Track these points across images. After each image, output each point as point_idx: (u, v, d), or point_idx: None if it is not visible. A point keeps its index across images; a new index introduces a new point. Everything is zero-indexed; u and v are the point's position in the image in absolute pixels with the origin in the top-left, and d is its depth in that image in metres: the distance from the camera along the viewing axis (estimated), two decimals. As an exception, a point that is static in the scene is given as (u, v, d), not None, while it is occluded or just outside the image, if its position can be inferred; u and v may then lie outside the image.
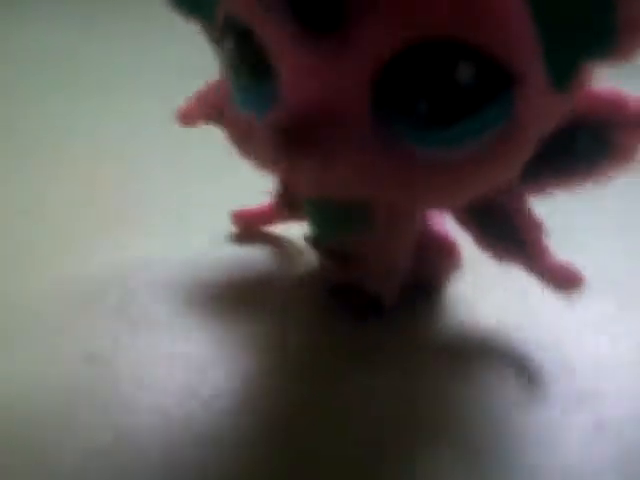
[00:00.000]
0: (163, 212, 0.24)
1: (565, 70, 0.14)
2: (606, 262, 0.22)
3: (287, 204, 0.21)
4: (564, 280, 0.18)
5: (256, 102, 0.15)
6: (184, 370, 0.17)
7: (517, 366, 0.18)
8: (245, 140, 0.16)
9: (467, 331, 0.20)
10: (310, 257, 0.21)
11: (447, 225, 0.20)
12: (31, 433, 0.15)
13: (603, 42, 0.13)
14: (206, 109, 0.20)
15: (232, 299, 0.20)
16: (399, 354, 0.18)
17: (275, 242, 0.23)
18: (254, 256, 0.22)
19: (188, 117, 0.20)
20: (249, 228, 0.23)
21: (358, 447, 0.15)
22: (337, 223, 0.17)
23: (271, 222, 0.23)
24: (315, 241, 0.19)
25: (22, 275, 0.20)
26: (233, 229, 0.23)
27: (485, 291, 0.21)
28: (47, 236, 0.22)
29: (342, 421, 0.16)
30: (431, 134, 0.13)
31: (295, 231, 0.22)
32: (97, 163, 0.28)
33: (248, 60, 0.14)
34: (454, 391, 0.17)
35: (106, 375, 0.16)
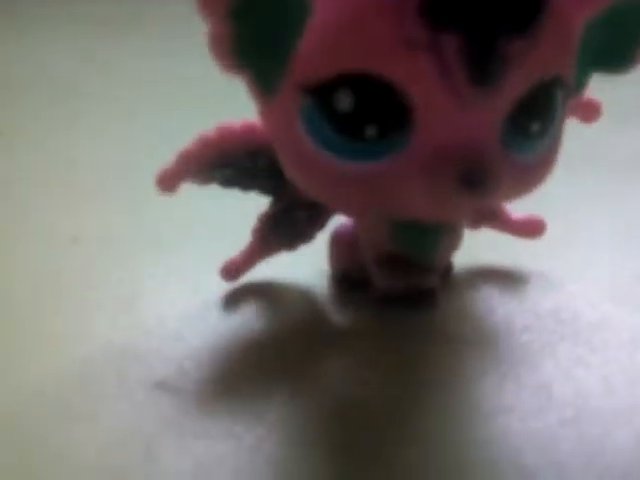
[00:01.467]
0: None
1: (584, 82, 0.19)
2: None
3: (273, 235, 0.21)
4: (531, 229, 0.23)
5: (372, 152, 0.16)
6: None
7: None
8: (338, 185, 0.17)
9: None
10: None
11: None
12: None
13: (623, 65, 0.18)
14: (192, 167, 0.19)
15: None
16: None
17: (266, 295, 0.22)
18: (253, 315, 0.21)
19: (172, 180, 0.19)
20: (239, 276, 0.22)
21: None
22: (435, 240, 0.20)
23: (258, 261, 0.22)
24: (396, 260, 0.20)
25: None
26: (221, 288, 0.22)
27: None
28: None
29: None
30: (536, 145, 0.17)
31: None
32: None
33: (372, 114, 0.15)
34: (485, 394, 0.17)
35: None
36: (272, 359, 0.19)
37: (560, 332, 0.20)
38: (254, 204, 0.21)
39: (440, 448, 0.16)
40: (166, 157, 0.19)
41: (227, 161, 0.19)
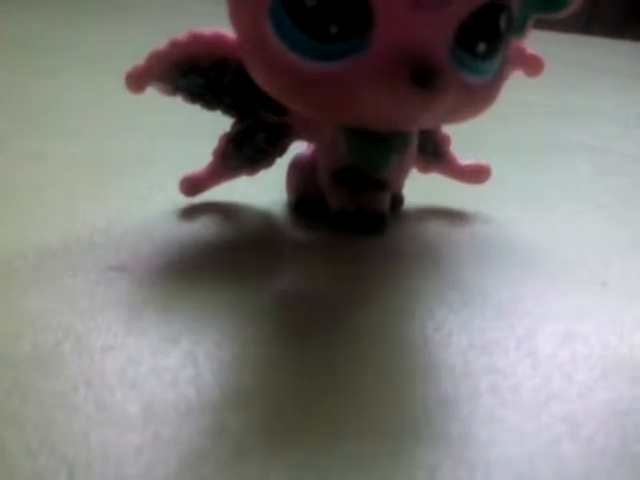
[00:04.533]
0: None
1: (527, 23, 0.20)
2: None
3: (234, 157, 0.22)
4: (476, 174, 0.25)
5: (335, 53, 0.18)
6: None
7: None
8: (302, 84, 0.18)
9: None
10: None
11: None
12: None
13: (559, 8, 0.20)
14: (161, 69, 0.20)
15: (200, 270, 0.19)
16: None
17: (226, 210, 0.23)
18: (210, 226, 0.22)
19: (140, 79, 0.20)
20: (198, 192, 0.23)
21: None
22: (387, 152, 0.21)
23: (218, 181, 0.23)
24: (351, 175, 0.21)
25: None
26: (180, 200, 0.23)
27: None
28: None
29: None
30: (482, 67, 0.19)
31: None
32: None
33: (335, 12, 0.17)
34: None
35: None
36: (227, 262, 0.20)
37: (503, 257, 0.22)
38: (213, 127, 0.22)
39: (380, 338, 0.17)
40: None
41: (195, 67, 0.20)
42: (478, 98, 0.20)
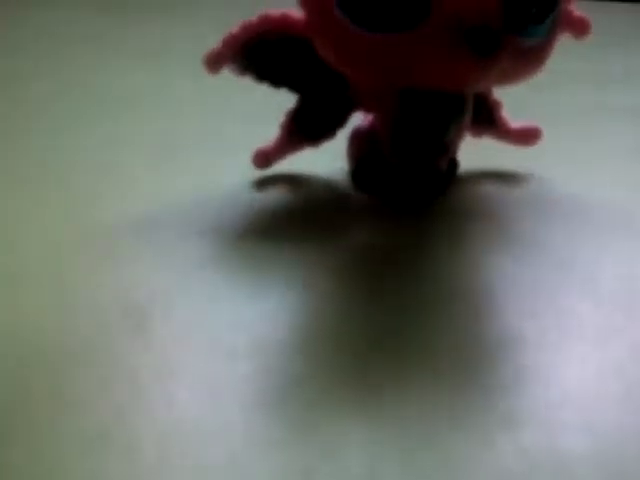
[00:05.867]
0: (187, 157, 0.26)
1: None
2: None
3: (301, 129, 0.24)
4: (528, 136, 0.27)
5: (397, 24, 0.19)
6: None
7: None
8: (366, 53, 0.20)
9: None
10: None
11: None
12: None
13: None
14: (234, 50, 0.22)
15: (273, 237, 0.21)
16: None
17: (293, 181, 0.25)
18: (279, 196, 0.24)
19: (217, 60, 0.22)
20: (268, 164, 0.25)
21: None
22: (445, 116, 0.22)
23: (285, 154, 0.25)
24: (411, 139, 0.22)
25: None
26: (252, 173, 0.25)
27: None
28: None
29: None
30: (534, 28, 0.20)
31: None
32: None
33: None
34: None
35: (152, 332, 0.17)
36: (300, 224, 0.22)
37: (558, 213, 0.23)
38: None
39: (449, 285, 0.19)
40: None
41: (263, 47, 0.22)
42: (531, 60, 0.21)
